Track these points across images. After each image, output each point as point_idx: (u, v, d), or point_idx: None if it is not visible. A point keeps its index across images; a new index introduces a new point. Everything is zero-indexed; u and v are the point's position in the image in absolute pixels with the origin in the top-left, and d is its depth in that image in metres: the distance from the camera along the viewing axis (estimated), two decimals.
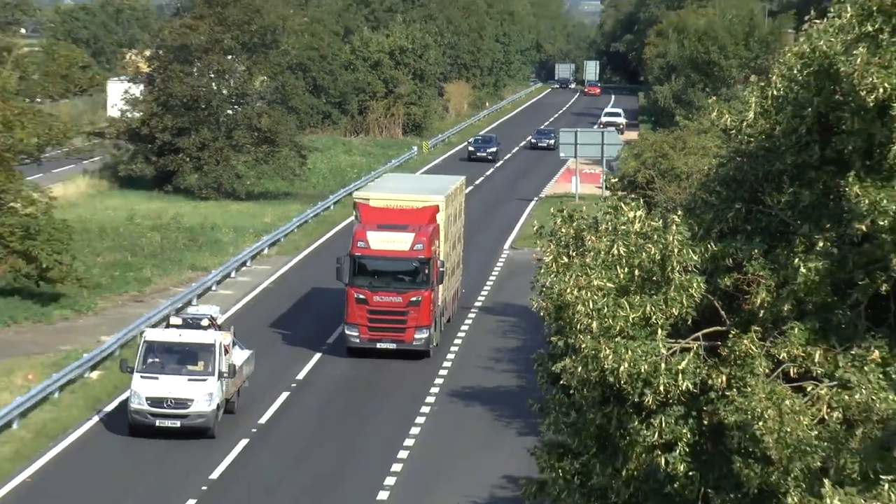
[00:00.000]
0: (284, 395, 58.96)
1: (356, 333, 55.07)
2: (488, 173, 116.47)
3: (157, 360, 46.90)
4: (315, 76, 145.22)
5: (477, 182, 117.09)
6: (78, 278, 70.46)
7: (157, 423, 45.71)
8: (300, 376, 60.90)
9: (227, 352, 48.27)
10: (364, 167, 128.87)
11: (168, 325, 49.94)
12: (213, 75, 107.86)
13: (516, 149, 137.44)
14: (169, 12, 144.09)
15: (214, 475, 46.05)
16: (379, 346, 55.35)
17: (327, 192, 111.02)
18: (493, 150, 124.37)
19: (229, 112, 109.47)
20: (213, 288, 77.32)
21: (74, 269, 70.60)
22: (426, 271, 53.90)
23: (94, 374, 60.57)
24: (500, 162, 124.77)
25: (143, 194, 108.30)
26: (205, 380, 45.43)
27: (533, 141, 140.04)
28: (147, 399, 45.13)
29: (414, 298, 53.25)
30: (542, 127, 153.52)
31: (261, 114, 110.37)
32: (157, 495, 45.40)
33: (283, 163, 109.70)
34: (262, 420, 56.20)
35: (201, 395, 45.37)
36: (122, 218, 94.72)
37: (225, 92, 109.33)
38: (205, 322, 48.59)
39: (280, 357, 65.02)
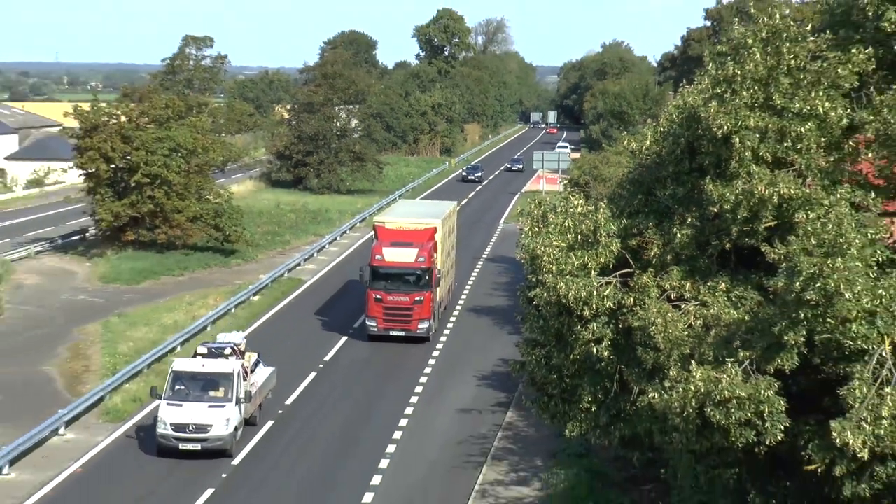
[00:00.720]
0: (343, 339, 71.49)
1: (374, 324, 67.54)
2: (478, 189, 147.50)
3: (182, 387, 49.99)
4: (387, 120, 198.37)
5: (476, 190, 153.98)
6: (246, 241, 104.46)
7: (181, 446, 48.52)
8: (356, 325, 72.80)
9: (247, 376, 51.17)
10: (417, 175, 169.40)
11: (195, 354, 52.22)
12: (326, 120, 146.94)
13: (497, 171, 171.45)
14: (301, 82, 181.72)
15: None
16: (391, 333, 67.27)
17: (394, 189, 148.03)
18: (479, 174, 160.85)
19: (336, 142, 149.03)
20: (326, 246, 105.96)
21: (244, 235, 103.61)
22: (427, 277, 65.80)
23: (256, 298, 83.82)
24: (486, 181, 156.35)
25: (285, 191, 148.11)
26: (223, 406, 48.73)
27: (508, 166, 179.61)
28: (171, 425, 48.06)
29: (418, 298, 65.94)
30: (515, 156, 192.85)
31: (355, 142, 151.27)
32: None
33: (368, 172, 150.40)
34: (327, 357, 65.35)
35: (220, 420, 48.38)
36: (272, 205, 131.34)
37: (333, 129, 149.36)
38: (227, 351, 51.67)
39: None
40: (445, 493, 48.38)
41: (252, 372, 53.05)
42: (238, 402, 49.21)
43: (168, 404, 48.92)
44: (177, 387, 49.83)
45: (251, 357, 54.42)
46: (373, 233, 70.55)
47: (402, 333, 66.73)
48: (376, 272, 65.87)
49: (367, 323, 67.64)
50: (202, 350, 52.14)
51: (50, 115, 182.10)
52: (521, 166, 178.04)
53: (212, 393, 49.86)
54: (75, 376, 63.27)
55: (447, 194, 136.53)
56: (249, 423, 51.78)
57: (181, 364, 51.38)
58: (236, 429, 49.19)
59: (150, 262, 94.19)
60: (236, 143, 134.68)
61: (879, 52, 23.00)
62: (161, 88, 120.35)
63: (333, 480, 49.76)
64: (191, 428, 48.13)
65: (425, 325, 66.58)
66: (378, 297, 65.98)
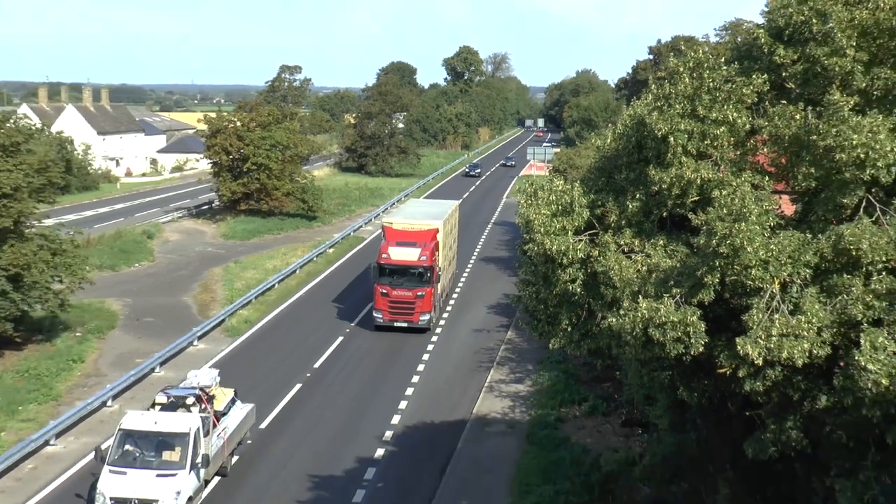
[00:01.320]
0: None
1: (381, 316, 57.30)
2: (480, 181, 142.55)
3: (131, 448, 33.27)
4: (423, 124, 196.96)
5: (482, 179, 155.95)
6: (324, 209, 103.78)
7: None
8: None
9: (209, 432, 34.36)
10: (444, 164, 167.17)
11: (153, 405, 35.06)
12: (380, 125, 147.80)
13: (494, 167, 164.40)
14: (363, 97, 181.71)
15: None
16: (395, 324, 57.03)
17: (429, 174, 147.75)
18: (479, 170, 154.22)
19: (387, 140, 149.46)
20: (380, 213, 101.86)
21: (322, 205, 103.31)
22: (428, 274, 56.23)
23: (331, 250, 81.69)
24: (484, 176, 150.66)
25: (351, 175, 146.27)
26: (174, 474, 31.93)
27: (503, 162, 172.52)
28: (111, 499, 31.68)
29: (420, 293, 56.43)
30: (509, 155, 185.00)
31: (401, 140, 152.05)
32: None
33: (409, 161, 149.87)
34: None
35: (168, 493, 31.80)
36: (342, 184, 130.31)
37: (386, 131, 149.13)
38: (190, 400, 34.82)
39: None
40: (464, 387, 48.77)
41: (225, 414, 36.98)
42: (194, 467, 32.70)
43: (110, 471, 32.43)
44: (125, 447, 33.14)
45: (226, 396, 38.14)
46: (382, 232, 61.38)
47: (405, 325, 57.55)
48: (383, 269, 56.95)
49: (374, 314, 58.38)
50: (161, 399, 35.18)
51: (187, 121, 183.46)
52: (513, 162, 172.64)
53: (164, 456, 33.05)
54: (205, 304, 64.16)
55: (456, 186, 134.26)
56: (220, 474, 36.49)
57: (131, 420, 33.79)
58: (190, 499, 32.58)
59: (256, 224, 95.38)
60: (317, 141, 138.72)
61: (772, 77, 22.80)
62: (264, 102, 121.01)
63: (384, 378, 50.05)
64: (133, 503, 31.74)
65: (426, 317, 57.61)
66: (384, 291, 57.17)
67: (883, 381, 19.19)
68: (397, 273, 56.53)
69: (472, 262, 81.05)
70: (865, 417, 20.46)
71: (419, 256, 56.21)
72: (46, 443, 39.06)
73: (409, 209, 68.28)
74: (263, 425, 42.23)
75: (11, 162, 46.89)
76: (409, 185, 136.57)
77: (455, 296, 67.41)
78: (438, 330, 57.92)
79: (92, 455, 34.96)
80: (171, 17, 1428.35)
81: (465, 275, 75.20)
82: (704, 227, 21.60)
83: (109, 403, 43.82)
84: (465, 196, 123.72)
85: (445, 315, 61.60)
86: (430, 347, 54.30)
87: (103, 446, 33.79)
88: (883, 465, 21.40)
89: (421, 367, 50.91)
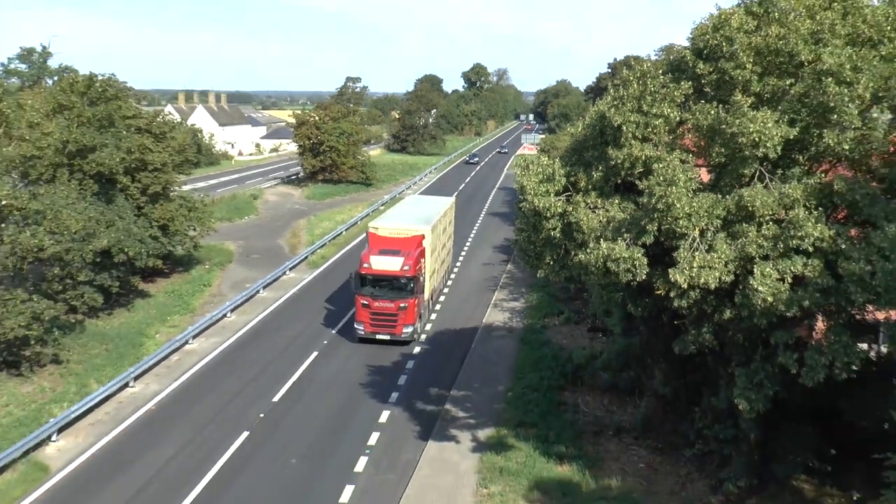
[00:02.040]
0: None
1: (361, 328, 40.44)
2: (479, 166, 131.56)
3: None
4: (448, 118, 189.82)
5: (485, 161, 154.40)
6: (377, 179, 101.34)
7: None
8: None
9: None
10: (463, 146, 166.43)
11: None
12: (417, 119, 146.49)
13: (490, 155, 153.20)
14: (405, 99, 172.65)
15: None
16: (378, 336, 40.36)
17: (451, 153, 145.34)
18: (476, 159, 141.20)
19: (422, 129, 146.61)
20: (417, 181, 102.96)
21: (376, 175, 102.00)
22: (411, 285, 39.66)
23: (382, 207, 78.04)
24: (483, 163, 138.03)
25: (396, 154, 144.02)
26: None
27: (498, 150, 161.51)
28: None
29: (402, 305, 39.79)
30: (503, 144, 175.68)
31: (432, 130, 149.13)
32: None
33: (438, 144, 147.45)
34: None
35: None
36: (390, 161, 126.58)
37: (421, 123, 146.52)
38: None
39: None
40: (476, 302, 49.03)
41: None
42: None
43: None
44: None
45: None
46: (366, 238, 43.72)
47: (387, 337, 40.88)
48: (364, 279, 40.29)
49: (356, 326, 41.10)
50: None
51: (281, 116, 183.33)
52: (506, 150, 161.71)
53: None
54: (293, 245, 64.57)
55: (461, 170, 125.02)
56: None
57: None
58: None
59: (329, 189, 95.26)
60: (372, 130, 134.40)
61: (694, 84, 22.45)
62: (335, 102, 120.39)
63: None
64: None
65: (409, 329, 40.87)
66: (365, 302, 40.49)
67: (769, 299, 19.51)
68: (379, 283, 39.96)
69: (481, 216, 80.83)
70: (756, 325, 20.75)
71: (402, 266, 39.83)
72: (186, 342, 39.82)
73: (400, 210, 50.38)
74: (334, 330, 42.36)
75: (161, 145, 47.19)
76: (437, 161, 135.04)
77: (469, 240, 67.36)
78: (458, 264, 57.75)
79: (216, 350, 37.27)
80: (268, 41, 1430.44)
81: (477, 225, 75.10)
82: (647, 190, 21.35)
83: (228, 315, 44.32)
84: (475, 171, 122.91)
85: (463, 254, 61.34)
86: (452, 276, 54.36)
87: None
88: (767, 357, 21.59)
89: (446, 290, 51.06)
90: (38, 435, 27.61)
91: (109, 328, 40.46)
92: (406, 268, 39.39)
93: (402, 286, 39.35)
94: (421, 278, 40.30)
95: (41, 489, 25.07)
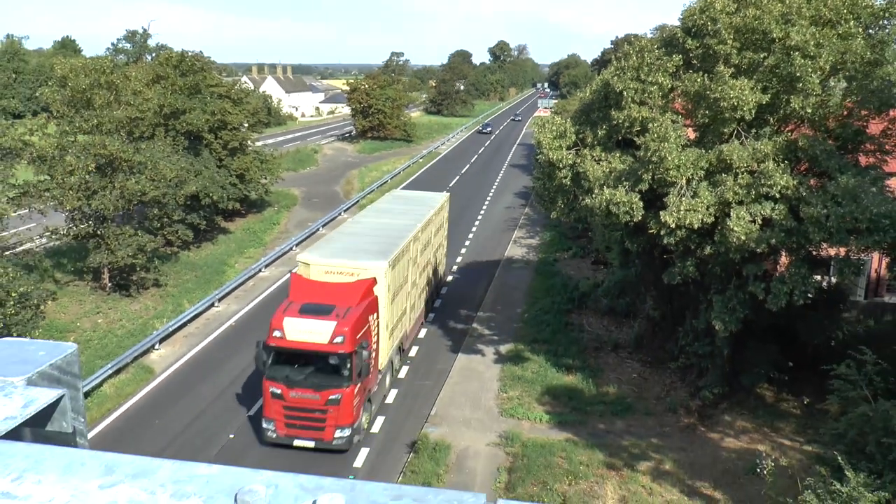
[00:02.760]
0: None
1: (273, 428, 20.68)
2: (494, 134, 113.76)
3: None
4: (476, 86, 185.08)
5: (502, 127, 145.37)
6: (417, 136, 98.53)
7: None
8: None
9: None
10: (490, 107, 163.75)
11: None
12: (451, 86, 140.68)
13: (504, 124, 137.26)
14: (441, 70, 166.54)
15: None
16: (296, 443, 20.67)
17: (479, 114, 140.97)
18: (490, 129, 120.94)
19: (454, 95, 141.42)
20: (451, 139, 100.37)
21: (416, 133, 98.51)
22: (347, 366, 20.20)
23: (421, 160, 77.59)
24: (497, 132, 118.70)
25: (434, 116, 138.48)
26: None
27: (512, 118, 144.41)
28: None
29: (333, 397, 20.24)
30: (517, 112, 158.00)
31: (463, 96, 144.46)
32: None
33: (468, 108, 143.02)
34: None
35: None
36: (427, 121, 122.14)
37: (454, 90, 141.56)
38: None
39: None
40: (499, 239, 48.99)
41: None
42: None
43: None
44: None
45: None
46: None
47: (311, 444, 20.70)
48: (275, 354, 20.55)
49: (264, 426, 20.90)
50: None
51: (337, 85, 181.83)
52: (520, 119, 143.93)
53: None
54: (347, 191, 64.60)
55: (477, 137, 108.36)
56: None
57: None
58: None
59: (376, 145, 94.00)
60: (412, 96, 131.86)
61: (684, 57, 22.09)
62: (381, 73, 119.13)
63: (453, 235, 47.19)
64: None
65: (345, 432, 20.58)
66: (277, 391, 20.47)
67: (742, 237, 19.87)
68: (298, 361, 20.89)
69: (504, 167, 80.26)
70: (731, 259, 21.16)
71: (332, 337, 20.38)
72: (259, 270, 40.23)
73: (363, 221, 30.12)
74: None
75: (238, 109, 47.35)
76: (469, 121, 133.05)
77: (494, 186, 66.95)
78: (484, 207, 57.30)
79: (284, 276, 36.01)
80: (328, 20, 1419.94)
81: (500, 174, 74.51)
82: (643, 146, 21.18)
83: (294, 248, 44.70)
84: (497, 131, 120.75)
85: (488, 199, 60.24)
86: (479, 216, 54.26)
87: None
88: (739, 286, 21.84)
89: (474, 228, 51.08)
90: (145, 344, 28.60)
91: (198, 258, 41.23)
92: (339, 339, 20.37)
93: (333, 368, 20.61)
94: (366, 352, 20.86)
95: (148, 387, 26.21)
